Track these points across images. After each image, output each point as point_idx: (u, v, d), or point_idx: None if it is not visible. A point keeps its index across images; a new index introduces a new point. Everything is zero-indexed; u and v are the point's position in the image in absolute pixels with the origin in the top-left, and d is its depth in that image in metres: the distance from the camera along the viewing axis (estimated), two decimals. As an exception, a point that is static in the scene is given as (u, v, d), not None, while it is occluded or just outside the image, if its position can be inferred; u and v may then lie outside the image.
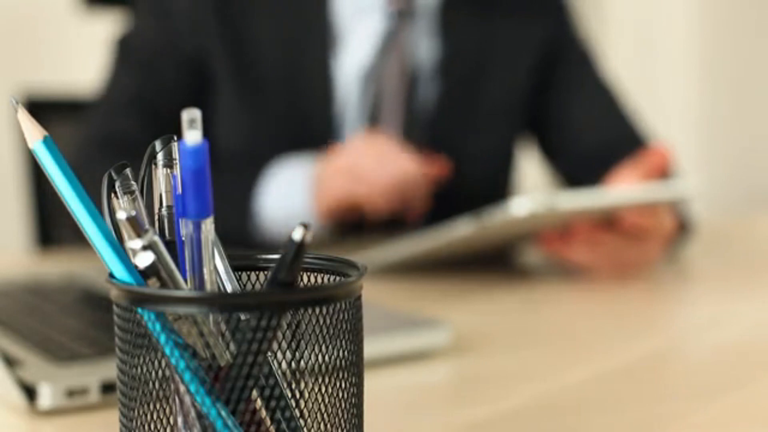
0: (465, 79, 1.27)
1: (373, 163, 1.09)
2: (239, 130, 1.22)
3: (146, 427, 0.39)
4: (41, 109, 1.46)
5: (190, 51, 1.21)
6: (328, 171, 1.10)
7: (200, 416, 0.38)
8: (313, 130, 1.21)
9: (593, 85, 1.33)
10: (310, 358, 0.39)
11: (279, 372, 0.39)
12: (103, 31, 2.07)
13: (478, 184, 1.28)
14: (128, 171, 0.40)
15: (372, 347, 0.55)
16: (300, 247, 0.37)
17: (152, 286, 0.37)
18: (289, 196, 1.11)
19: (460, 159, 1.23)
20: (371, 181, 1.08)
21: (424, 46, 1.25)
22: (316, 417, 0.40)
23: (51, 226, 1.44)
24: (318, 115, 1.21)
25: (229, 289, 0.42)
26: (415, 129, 1.23)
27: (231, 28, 1.20)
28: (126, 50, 1.24)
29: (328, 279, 0.43)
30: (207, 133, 0.36)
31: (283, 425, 0.39)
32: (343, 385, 0.40)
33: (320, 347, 0.39)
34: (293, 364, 0.39)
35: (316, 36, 1.21)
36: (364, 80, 1.22)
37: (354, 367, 0.40)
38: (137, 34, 1.25)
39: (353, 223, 1.15)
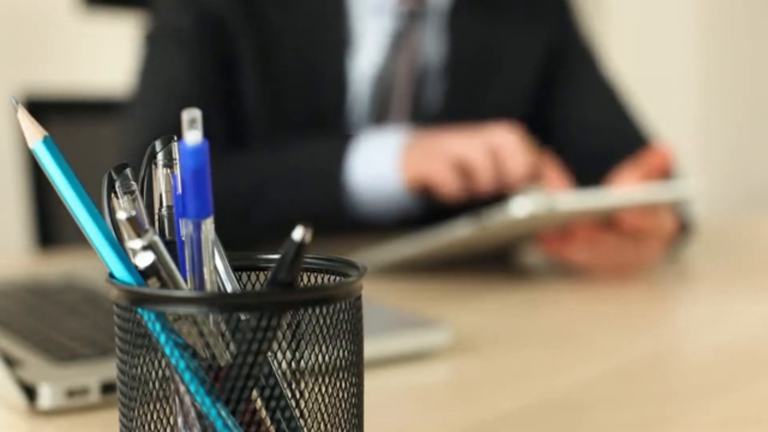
0: (471, 78, 1.27)
1: (454, 137, 1.05)
2: (258, 119, 1.21)
3: (146, 427, 0.39)
4: (41, 109, 1.45)
5: (219, 39, 1.20)
6: (410, 144, 1.08)
7: (200, 416, 0.38)
8: (324, 128, 1.21)
9: (596, 85, 1.33)
10: (310, 358, 0.39)
11: (279, 372, 0.39)
12: (104, 31, 2.06)
13: None
14: (128, 171, 0.40)
15: (372, 347, 0.55)
16: (300, 247, 0.37)
17: (152, 286, 0.37)
18: (378, 164, 1.08)
19: None
20: (444, 153, 1.03)
21: (433, 46, 1.26)
22: (316, 417, 0.40)
23: (51, 226, 1.44)
24: (330, 114, 1.22)
25: (229, 289, 0.42)
26: (422, 127, 1.23)
27: (254, 22, 1.20)
28: (164, 41, 1.21)
29: (328, 279, 0.43)
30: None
31: (283, 425, 0.39)
32: (343, 385, 0.40)
33: (320, 347, 0.39)
34: (293, 364, 0.39)
35: (333, 36, 1.22)
36: (374, 79, 1.22)
37: (354, 367, 0.40)
38: (169, 25, 1.22)
39: (432, 205, 1.11)
